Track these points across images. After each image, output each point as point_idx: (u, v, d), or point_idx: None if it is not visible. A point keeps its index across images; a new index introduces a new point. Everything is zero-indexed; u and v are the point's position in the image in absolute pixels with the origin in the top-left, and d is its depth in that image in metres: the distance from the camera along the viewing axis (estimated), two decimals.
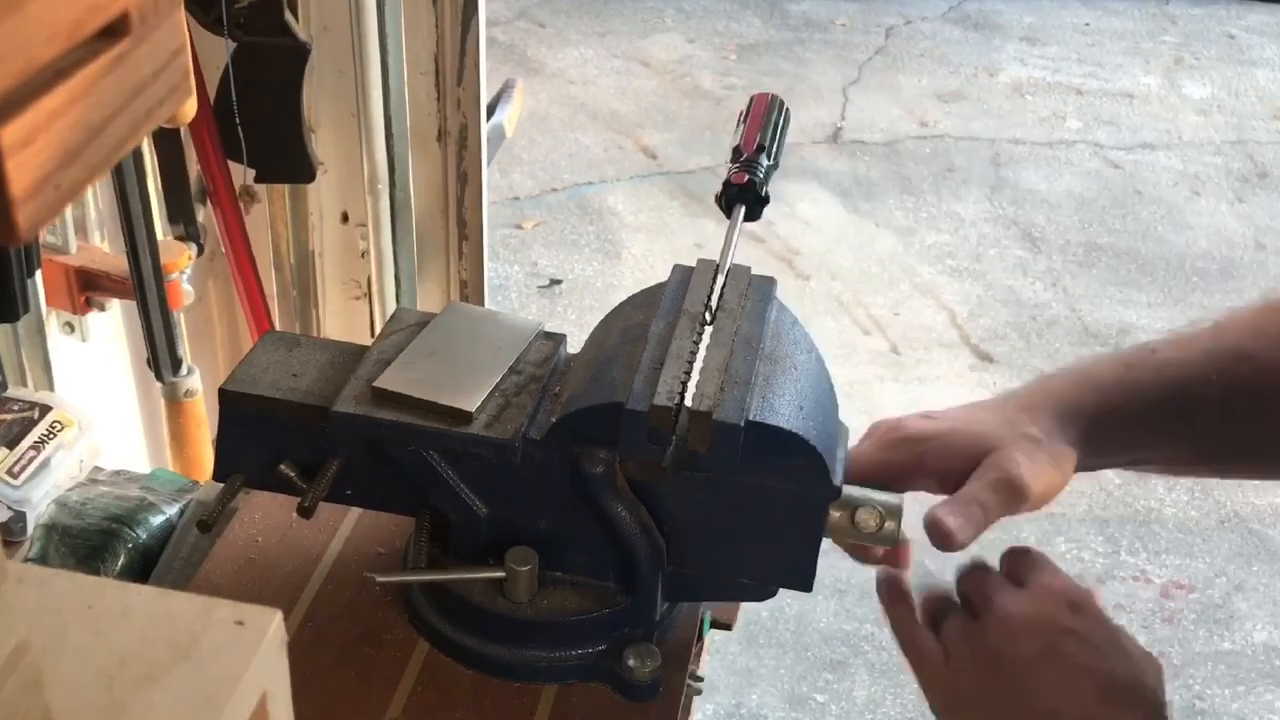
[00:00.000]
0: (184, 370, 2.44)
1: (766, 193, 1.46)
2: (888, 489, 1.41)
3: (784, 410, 1.33)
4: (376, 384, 1.41)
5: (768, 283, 1.50)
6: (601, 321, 1.51)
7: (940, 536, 1.29)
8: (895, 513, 1.39)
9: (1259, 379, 1.33)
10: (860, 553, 1.45)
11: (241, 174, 2.60)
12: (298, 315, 2.91)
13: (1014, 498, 1.31)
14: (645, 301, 1.47)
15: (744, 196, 1.44)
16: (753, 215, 1.44)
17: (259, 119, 2.46)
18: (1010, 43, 7.14)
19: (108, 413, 2.47)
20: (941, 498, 1.33)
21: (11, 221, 0.64)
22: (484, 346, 1.49)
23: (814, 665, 3.56)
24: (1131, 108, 6.54)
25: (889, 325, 4.88)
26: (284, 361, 1.50)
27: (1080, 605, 1.26)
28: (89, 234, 2.45)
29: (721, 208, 1.45)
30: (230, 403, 1.46)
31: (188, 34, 0.80)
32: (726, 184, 1.45)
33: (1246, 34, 7.35)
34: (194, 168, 2.53)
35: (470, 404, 1.40)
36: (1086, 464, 1.38)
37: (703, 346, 1.38)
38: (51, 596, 0.86)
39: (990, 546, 1.33)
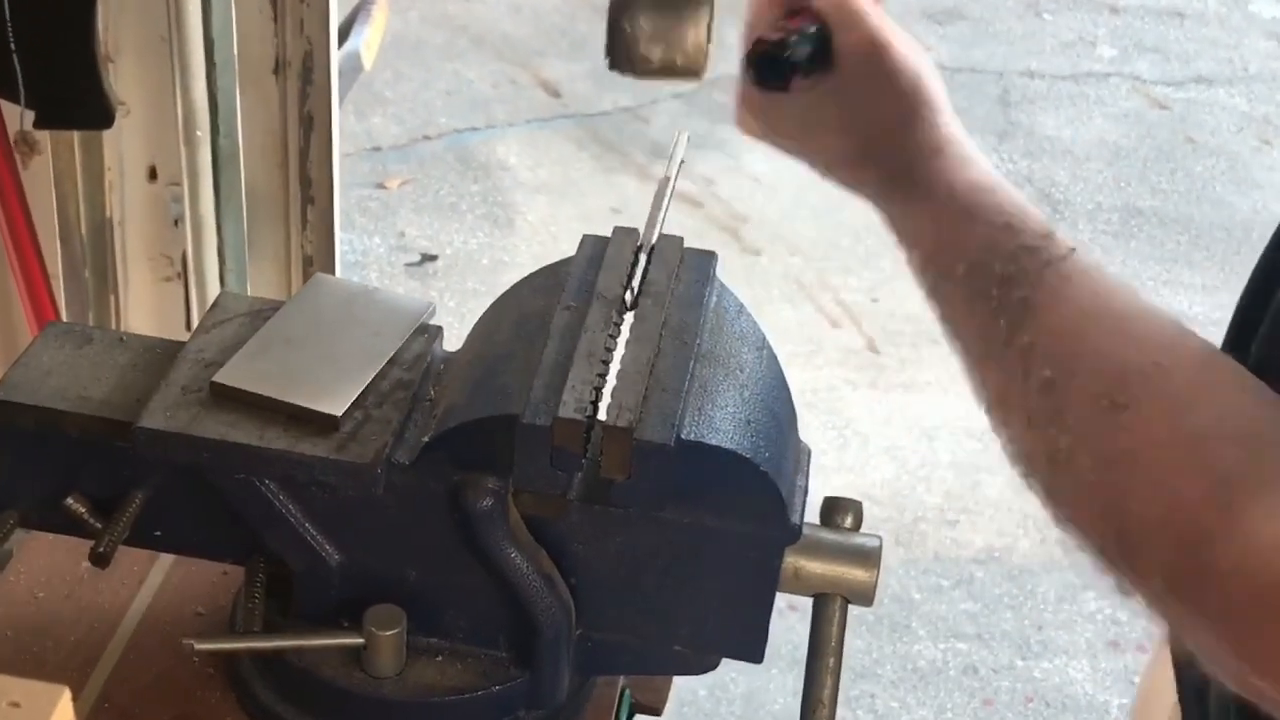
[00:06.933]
0: None
1: (808, 59, 1.38)
2: (860, 523, 1.42)
3: (726, 426, 1.35)
4: (216, 379, 1.41)
5: (706, 259, 1.51)
6: (489, 309, 1.52)
7: None
8: (872, 558, 1.40)
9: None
10: None
11: (17, 117, 2.59)
12: (91, 302, 2.90)
13: None
14: (546, 283, 1.48)
15: (777, 60, 1.36)
16: (774, 82, 1.37)
17: (40, 46, 2.45)
18: None
19: None
20: None
21: None
22: (353, 333, 1.49)
23: None
24: (1182, 30, 6.59)
25: (865, 315, 4.90)
26: (72, 362, 1.50)
27: None
28: None
29: (750, 70, 1.38)
30: (2, 416, 1.46)
31: None
32: (758, 41, 1.37)
33: None
34: None
35: (335, 406, 1.40)
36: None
37: (621, 342, 1.39)
38: None
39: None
